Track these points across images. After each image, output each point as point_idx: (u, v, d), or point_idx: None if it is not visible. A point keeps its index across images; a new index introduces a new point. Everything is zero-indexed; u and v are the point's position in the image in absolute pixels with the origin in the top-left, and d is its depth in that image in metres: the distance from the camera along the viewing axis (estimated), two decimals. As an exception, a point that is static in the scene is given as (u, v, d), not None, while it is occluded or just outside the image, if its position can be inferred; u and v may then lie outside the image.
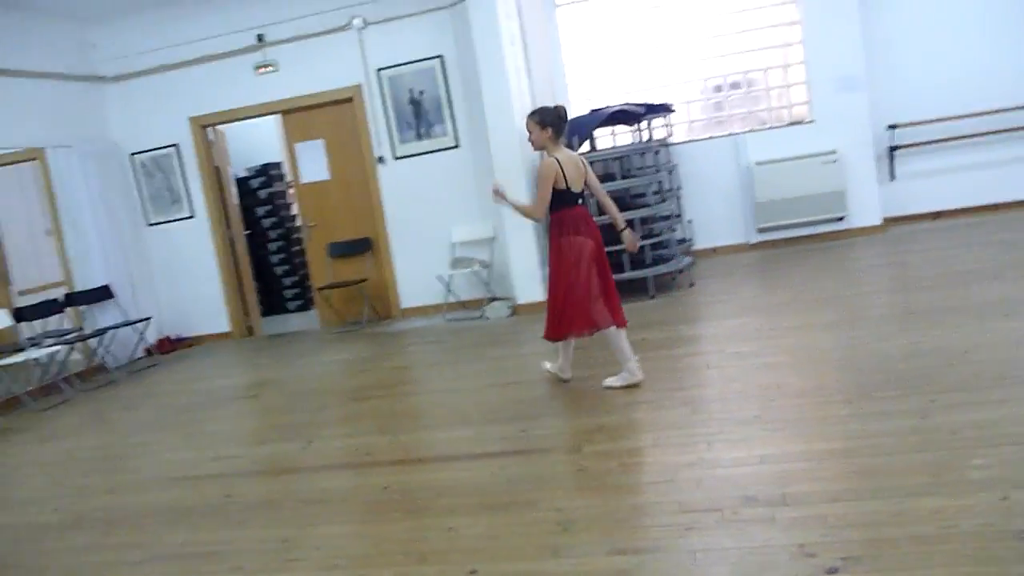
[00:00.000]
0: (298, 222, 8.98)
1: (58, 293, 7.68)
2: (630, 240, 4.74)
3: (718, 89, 8.56)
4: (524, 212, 4.67)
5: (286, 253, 9.81)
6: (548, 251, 4.65)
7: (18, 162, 7.90)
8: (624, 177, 7.14)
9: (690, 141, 8.39)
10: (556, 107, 4.56)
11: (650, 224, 7.13)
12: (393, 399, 5.16)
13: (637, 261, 6.83)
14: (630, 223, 6.78)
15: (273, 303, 9.75)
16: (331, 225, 8.16)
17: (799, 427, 3.51)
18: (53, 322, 7.42)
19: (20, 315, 7.05)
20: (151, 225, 8.45)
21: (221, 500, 3.78)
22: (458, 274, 7.57)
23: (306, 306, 9.63)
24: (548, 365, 5.01)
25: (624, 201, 7.26)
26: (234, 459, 4.41)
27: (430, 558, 2.83)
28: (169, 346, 8.32)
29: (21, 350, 6.83)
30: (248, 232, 9.16)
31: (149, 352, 8.10)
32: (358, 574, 2.80)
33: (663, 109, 7.68)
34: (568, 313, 4.54)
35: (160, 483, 4.20)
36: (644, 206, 6.98)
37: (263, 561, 3.03)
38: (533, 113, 4.55)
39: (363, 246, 8.01)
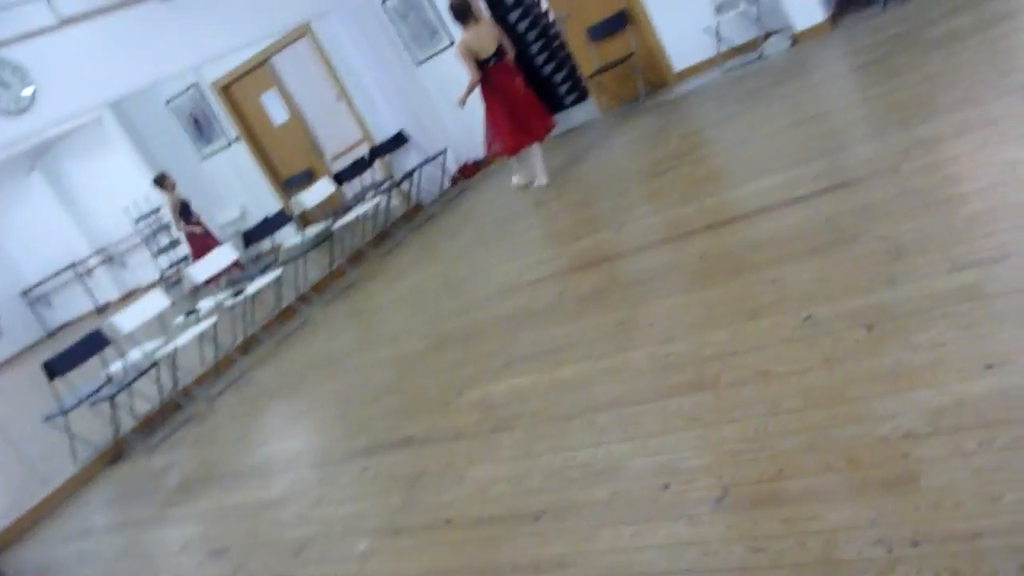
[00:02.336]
0: (551, 17, 8.85)
1: (362, 150, 8.37)
2: None
3: None
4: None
5: (549, 51, 9.76)
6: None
7: (291, 43, 8.51)
8: None
9: None
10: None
11: None
12: (690, 166, 5.11)
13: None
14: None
15: (550, 104, 9.84)
16: (584, 9, 7.95)
17: None
18: (366, 177, 8.14)
19: (339, 178, 7.82)
20: (419, 64, 8.78)
21: (555, 298, 4.06)
22: (725, 19, 7.09)
23: (582, 97, 9.61)
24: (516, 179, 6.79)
25: None
26: (556, 259, 4.67)
27: (762, 312, 2.86)
28: (471, 170, 8.80)
29: (350, 209, 7.62)
30: (507, 42, 9.21)
31: (454, 181, 8.66)
32: (697, 340, 2.91)
33: None
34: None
35: (499, 295, 4.58)
36: None
37: (607, 346, 3.25)
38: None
39: (620, 21, 7.74)
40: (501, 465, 2.82)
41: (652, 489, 2.27)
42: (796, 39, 6.63)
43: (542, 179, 6.60)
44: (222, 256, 6.88)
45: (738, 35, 7.19)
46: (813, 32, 6.51)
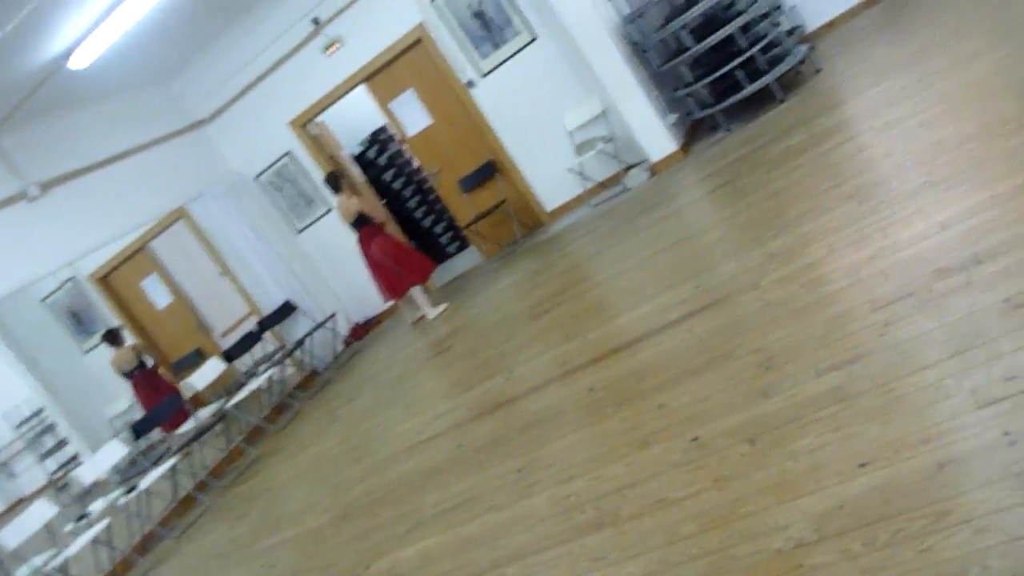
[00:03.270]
0: (424, 172, 9.16)
1: (251, 324, 8.30)
2: None
3: None
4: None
5: (426, 204, 10.05)
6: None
7: (167, 227, 8.51)
8: (707, -5, 6.75)
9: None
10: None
11: (752, 29, 6.74)
12: (571, 302, 5.26)
13: (753, 72, 6.51)
14: (730, 38, 6.47)
15: (434, 254, 10.05)
16: (453, 163, 8.27)
17: (974, 175, 3.28)
18: (257, 350, 8.04)
19: (229, 356, 7.69)
20: (300, 232, 8.88)
21: (454, 452, 4.04)
22: (586, 159, 7.50)
23: (463, 245, 9.87)
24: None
25: (717, 17, 6.89)
26: (451, 412, 4.67)
27: (652, 439, 2.92)
28: (362, 331, 8.80)
29: (243, 385, 7.47)
30: (384, 200, 9.45)
31: (347, 342, 8.63)
32: (595, 476, 2.94)
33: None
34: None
35: (399, 455, 4.53)
36: (738, 14, 6.59)
37: (508, 494, 3.24)
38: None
39: (489, 171, 8.08)
40: (416, 637, 2.73)
41: (566, 639, 2.23)
42: (654, 170, 7.04)
43: (429, 313, 7.34)
44: (112, 452, 6.59)
45: (600, 172, 7.60)
46: (668, 161, 6.93)
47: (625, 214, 6.45)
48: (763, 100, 6.56)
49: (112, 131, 7.65)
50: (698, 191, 5.97)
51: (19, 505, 11.65)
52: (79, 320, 10.25)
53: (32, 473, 12.06)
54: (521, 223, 8.14)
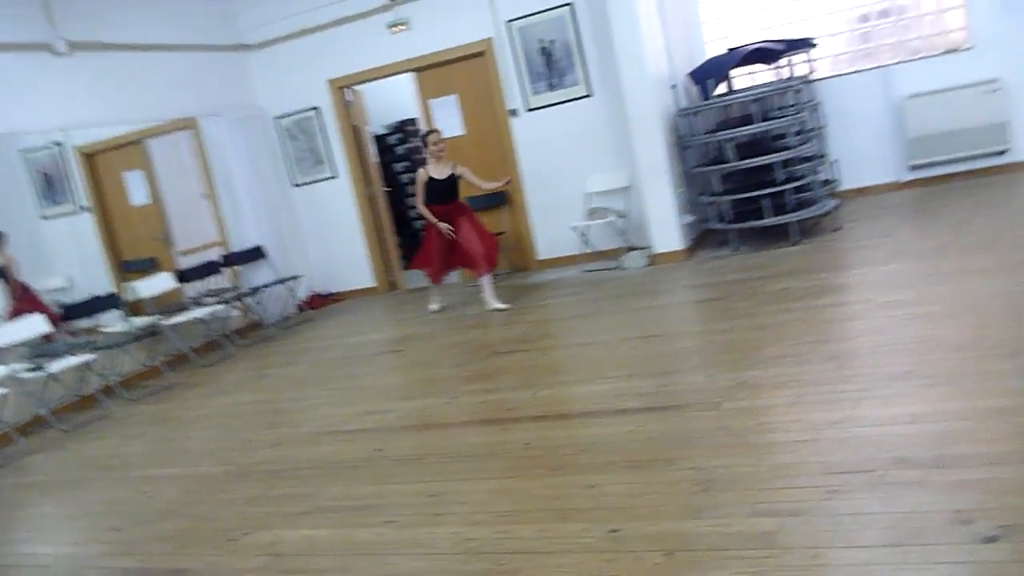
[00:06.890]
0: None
1: (215, 253, 8.16)
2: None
3: (864, 19, 8.04)
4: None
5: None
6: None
7: (174, 131, 8.38)
8: (764, 119, 6.86)
9: (835, 76, 7.94)
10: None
11: (792, 167, 6.85)
12: (534, 353, 5.24)
13: (779, 206, 6.61)
14: (770, 167, 6.56)
15: (412, 255, 9.97)
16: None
17: (956, 383, 3.33)
18: (212, 281, 7.90)
19: (183, 276, 7.55)
20: (297, 186, 8.80)
21: (373, 454, 3.97)
22: (594, 225, 7.53)
23: (446, 259, 9.80)
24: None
25: (764, 144, 7.02)
26: (383, 414, 4.60)
27: (571, 516, 2.89)
28: (319, 302, 8.69)
29: (185, 309, 7.32)
30: (387, 188, 9.39)
31: (301, 308, 8.51)
32: (501, 530, 2.90)
33: (804, 44, 7.31)
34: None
35: (317, 437, 4.44)
36: (785, 148, 6.71)
37: (413, 515, 3.18)
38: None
39: (499, 199, 8.07)
40: (274, 620, 2.65)
41: None
42: (654, 259, 7.08)
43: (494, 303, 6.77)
44: (33, 324, 6.39)
45: (603, 242, 7.62)
46: (670, 256, 6.97)
47: (613, 291, 6.46)
48: (778, 235, 6.64)
49: (158, 20, 7.56)
50: (689, 296, 6.01)
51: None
52: (50, 184, 10.02)
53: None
54: (510, 259, 8.12)
